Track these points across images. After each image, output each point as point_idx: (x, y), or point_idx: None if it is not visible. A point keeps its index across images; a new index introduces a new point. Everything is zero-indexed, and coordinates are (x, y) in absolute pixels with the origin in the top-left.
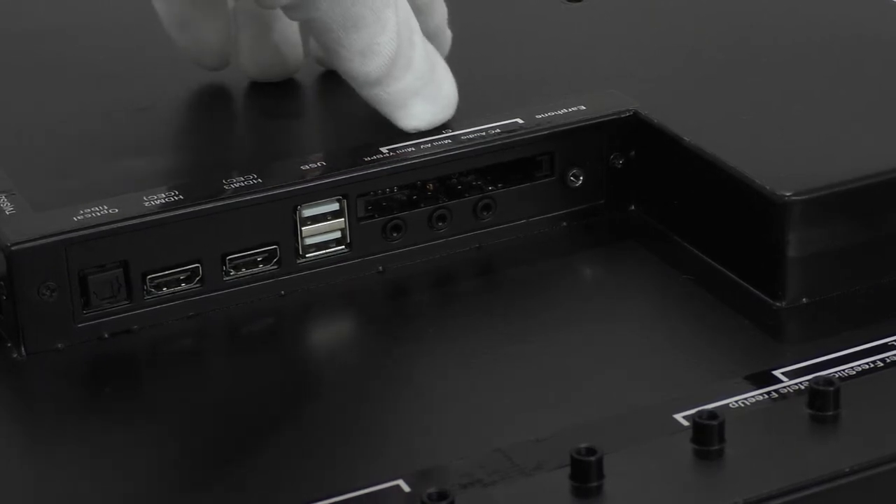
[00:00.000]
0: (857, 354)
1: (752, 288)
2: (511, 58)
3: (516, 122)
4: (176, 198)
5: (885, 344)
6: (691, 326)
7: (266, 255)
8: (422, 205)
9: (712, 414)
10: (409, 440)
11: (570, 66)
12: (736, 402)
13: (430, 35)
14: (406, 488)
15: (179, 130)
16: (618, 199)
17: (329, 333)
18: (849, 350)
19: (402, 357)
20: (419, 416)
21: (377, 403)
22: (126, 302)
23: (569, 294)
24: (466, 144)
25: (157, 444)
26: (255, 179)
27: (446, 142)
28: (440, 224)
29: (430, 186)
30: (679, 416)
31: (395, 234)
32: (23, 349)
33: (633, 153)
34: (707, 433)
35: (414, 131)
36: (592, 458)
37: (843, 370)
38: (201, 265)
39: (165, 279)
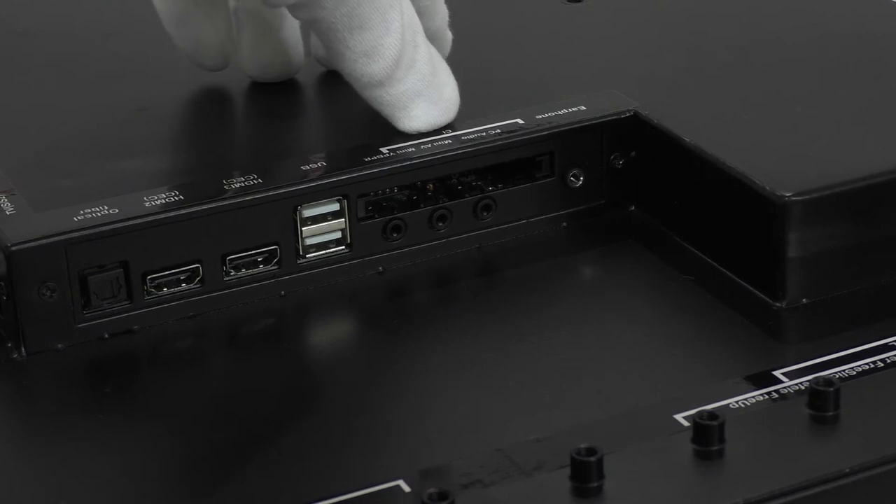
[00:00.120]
0: (857, 355)
1: (752, 288)
2: (511, 58)
3: (516, 122)
4: (176, 198)
5: (885, 344)
6: (691, 326)
7: (266, 255)
8: (422, 205)
9: (712, 414)
10: (409, 440)
11: (570, 66)
12: (736, 402)
13: (431, 37)
14: (406, 488)
15: (179, 131)
16: (618, 199)
17: (329, 334)
18: (849, 350)
19: (402, 357)
20: (419, 416)
21: (377, 403)
22: (126, 302)
23: (569, 294)
24: (467, 145)
25: (157, 444)
26: (256, 180)
27: (447, 142)
28: (440, 224)
29: (431, 187)
30: (679, 417)
31: (395, 235)
32: (23, 349)
33: (633, 153)
34: (707, 433)
35: (415, 133)
36: (592, 458)
37: (844, 370)
38: (201, 265)
39: (166, 279)
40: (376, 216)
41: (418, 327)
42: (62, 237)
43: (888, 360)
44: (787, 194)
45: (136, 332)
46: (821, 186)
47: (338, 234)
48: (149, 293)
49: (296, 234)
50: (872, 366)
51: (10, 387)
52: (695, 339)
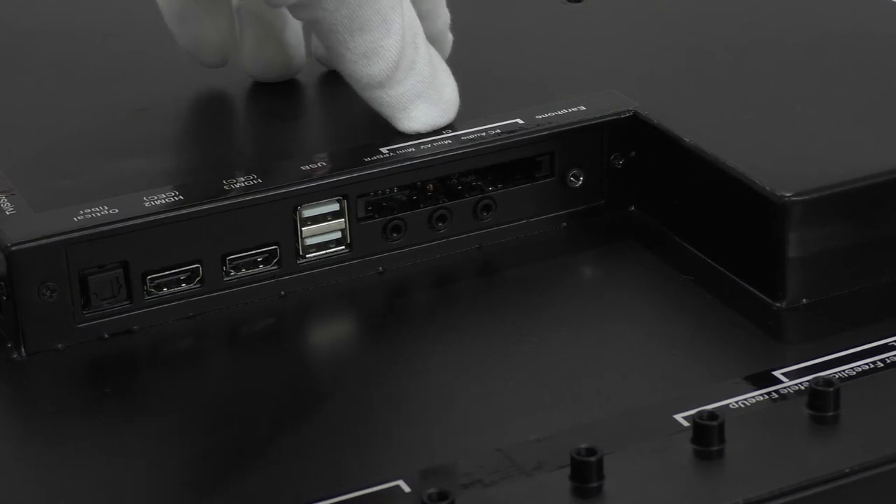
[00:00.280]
0: (857, 355)
1: (752, 288)
2: (511, 58)
3: (516, 122)
4: (176, 198)
5: (886, 344)
6: (691, 326)
7: (266, 255)
8: (422, 205)
9: (712, 414)
10: (409, 440)
11: (570, 66)
12: (736, 402)
13: (432, 40)
14: (406, 488)
15: (180, 131)
16: (618, 200)
17: (329, 334)
18: (849, 350)
19: (402, 357)
20: (419, 416)
21: (377, 403)
22: (126, 302)
23: (569, 294)
24: (466, 145)
25: (157, 444)
26: (256, 180)
27: (446, 142)
28: (440, 224)
29: (431, 187)
30: (679, 417)
31: (395, 235)
32: (23, 349)
33: (633, 153)
34: (707, 433)
35: (414, 134)
36: (592, 458)
37: (843, 370)
38: (201, 265)
39: (166, 279)
40: (376, 216)
41: (418, 327)
42: (62, 237)
43: (888, 360)
44: (787, 194)
45: (136, 332)
46: (821, 186)
47: (338, 234)
48: (149, 293)
49: (296, 234)
50: (872, 366)
51: (10, 387)
52: (695, 339)
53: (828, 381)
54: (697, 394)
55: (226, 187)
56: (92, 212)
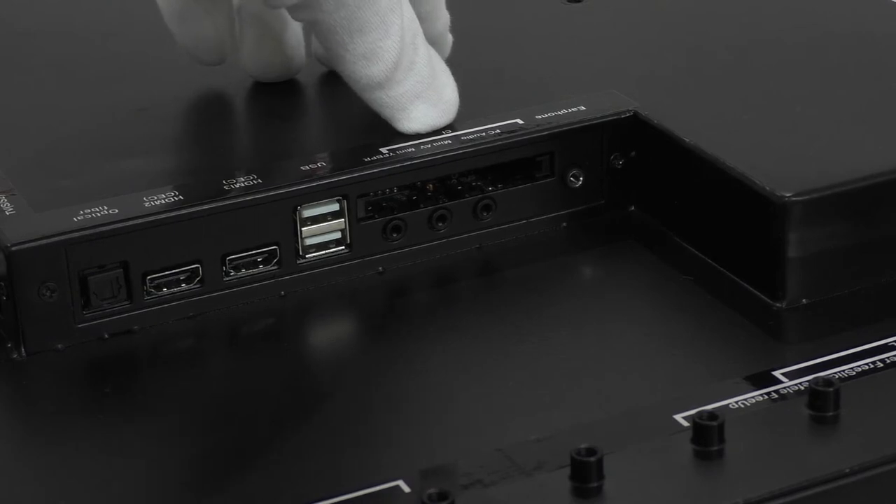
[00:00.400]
0: (857, 355)
1: (752, 288)
2: (511, 58)
3: (516, 122)
4: (176, 198)
5: (886, 344)
6: (691, 326)
7: (266, 255)
8: (422, 205)
9: (712, 415)
10: (409, 440)
11: (569, 66)
12: (736, 402)
13: (432, 41)
14: (406, 488)
15: (180, 131)
16: (618, 200)
17: (329, 334)
18: (849, 350)
19: (402, 357)
20: (419, 416)
21: (377, 404)
22: (126, 302)
23: (569, 294)
24: (466, 145)
25: (156, 444)
26: (256, 180)
27: (446, 142)
28: (440, 224)
29: (430, 187)
30: (679, 417)
31: (395, 235)
32: (23, 349)
33: (633, 153)
34: (707, 434)
35: (414, 135)
36: (592, 458)
37: (843, 371)
38: (201, 266)
39: (166, 279)
40: (376, 216)
41: (418, 327)
42: (62, 237)
43: (888, 360)
44: (787, 194)
45: (136, 332)
46: (821, 186)
47: (338, 235)
48: (149, 293)
49: (296, 234)
50: (872, 366)
51: (10, 387)
52: (695, 339)
53: (828, 381)
54: (697, 394)
55: (226, 187)
56: (92, 212)
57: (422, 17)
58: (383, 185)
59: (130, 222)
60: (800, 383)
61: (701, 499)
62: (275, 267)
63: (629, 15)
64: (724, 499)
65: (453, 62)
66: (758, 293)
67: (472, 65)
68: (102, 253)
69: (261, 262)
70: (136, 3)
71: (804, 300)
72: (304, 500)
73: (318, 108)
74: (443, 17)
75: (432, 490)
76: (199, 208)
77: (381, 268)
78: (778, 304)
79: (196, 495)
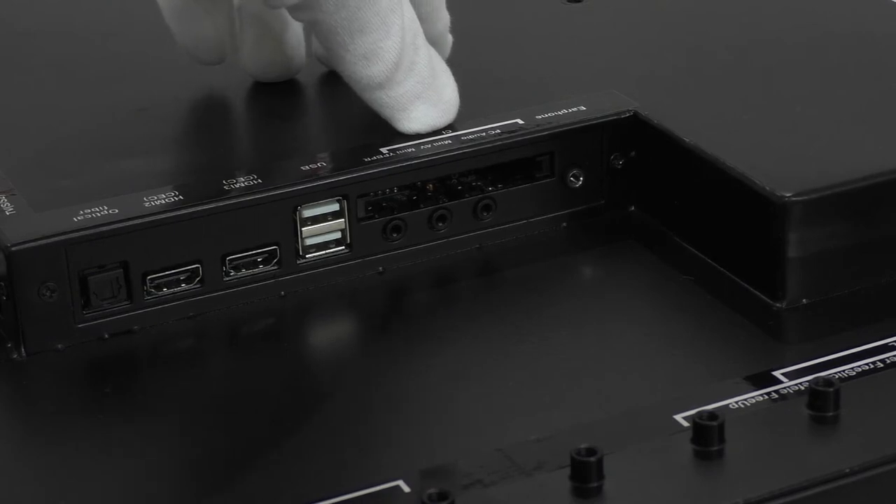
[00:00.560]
0: (857, 355)
1: (752, 288)
2: (511, 58)
3: (516, 122)
4: (176, 198)
5: (886, 344)
6: (691, 326)
7: (266, 255)
8: (422, 205)
9: (712, 415)
10: (409, 440)
11: (570, 66)
12: (736, 402)
13: (432, 42)
14: (406, 488)
15: (180, 131)
16: (618, 200)
17: (329, 334)
18: (849, 350)
19: (402, 357)
20: (419, 416)
21: (377, 404)
22: (126, 302)
23: (569, 294)
24: (466, 145)
25: (156, 444)
26: (256, 180)
27: (446, 142)
28: (440, 224)
29: (431, 187)
30: (679, 417)
31: (395, 235)
32: (23, 349)
33: (633, 153)
34: (707, 434)
35: (414, 135)
36: (592, 458)
37: (844, 371)
38: (201, 266)
39: (166, 279)
40: (376, 216)
41: (418, 327)
42: (62, 237)
43: (888, 360)
44: (787, 194)
45: (136, 332)
46: (821, 186)
47: (338, 235)
48: (149, 293)
49: (296, 234)
50: (872, 366)
51: (10, 387)
52: (695, 339)
53: (828, 382)
54: (697, 394)
55: (226, 187)
56: (92, 212)
57: (422, 18)
58: (383, 185)
59: (130, 222)
60: (800, 383)
61: (701, 499)
62: (275, 267)
63: (629, 15)
64: (724, 499)
65: (453, 62)
66: (758, 293)
67: (472, 65)
68: (102, 253)
69: (261, 262)
70: (136, 3)
71: (804, 300)
72: (304, 500)
73: (319, 108)
74: (443, 18)
75: (432, 490)
76: (199, 208)
77: (381, 268)
78: (778, 304)
79: (196, 495)
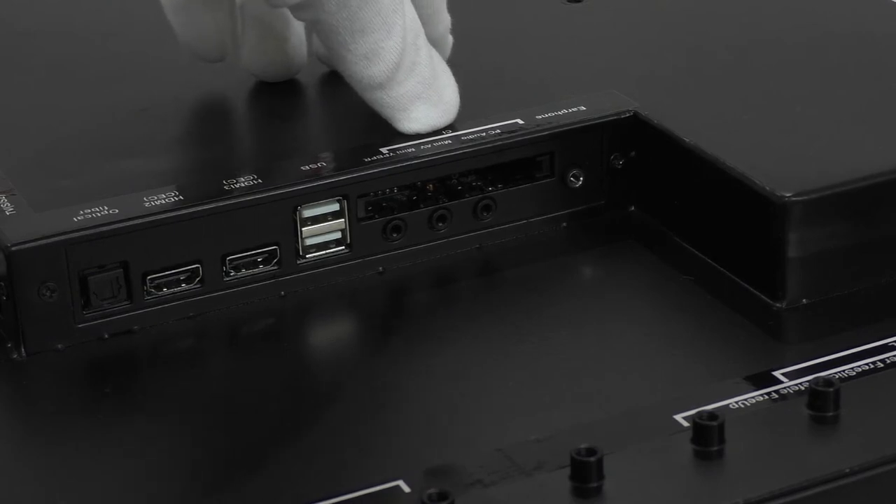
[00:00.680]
0: (857, 355)
1: (752, 288)
2: (511, 58)
3: (516, 122)
4: (176, 198)
5: (886, 344)
6: (691, 326)
7: (266, 255)
8: (422, 205)
9: (712, 415)
10: (409, 440)
11: (570, 66)
12: (736, 402)
13: (433, 43)
14: (406, 488)
15: (180, 131)
16: (618, 200)
17: (329, 334)
18: (849, 350)
19: (402, 357)
20: (419, 416)
21: (377, 403)
22: (126, 302)
23: (569, 294)
24: (467, 145)
25: (156, 444)
26: (256, 180)
27: (446, 142)
28: (440, 224)
29: (431, 187)
30: (679, 417)
31: (395, 235)
32: (23, 349)
33: (633, 153)
34: (707, 434)
35: (414, 135)
36: (592, 459)
37: (844, 371)
38: (201, 266)
39: (166, 279)
40: (376, 216)
41: (418, 327)
42: (62, 237)
43: (888, 360)
44: (787, 194)
45: (136, 332)
46: (821, 186)
47: (338, 235)
48: (149, 293)
49: (296, 234)
50: (872, 366)
51: (10, 387)
52: (695, 339)
53: (828, 382)
54: (697, 394)
55: (226, 187)
56: (92, 212)
57: (423, 20)
58: (383, 185)
59: (130, 222)
60: (800, 383)
61: (701, 499)
62: (275, 267)
63: (629, 15)
64: (724, 499)
65: (454, 63)
66: (758, 293)
67: (472, 65)
68: (102, 253)
69: (261, 262)
70: (136, 3)
71: (804, 300)
72: (304, 500)
73: (319, 108)
74: (444, 20)
75: (432, 490)
76: (199, 208)
77: (381, 268)
78: (778, 304)
79: (196, 495)
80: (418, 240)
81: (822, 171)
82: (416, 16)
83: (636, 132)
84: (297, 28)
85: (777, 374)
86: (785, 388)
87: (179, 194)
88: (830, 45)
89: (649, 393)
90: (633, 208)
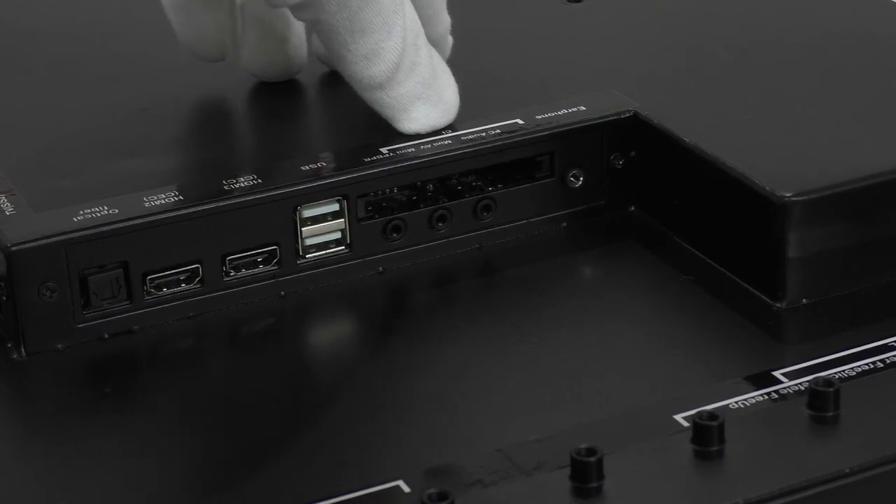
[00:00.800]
0: (857, 355)
1: (752, 288)
2: (511, 58)
3: (516, 122)
4: (176, 198)
5: (886, 344)
6: (691, 326)
7: (266, 255)
8: (422, 205)
9: (712, 415)
10: (409, 440)
11: (570, 66)
12: (736, 402)
13: (433, 43)
14: (406, 488)
15: (180, 131)
16: (618, 200)
17: (329, 334)
18: (849, 350)
19: (402, 357)
20: (419, 416)
21: (377, 403)
22: (126, 302)
23: (569, 294)
24: (466, 145)
25: (156, 444)
26: (256, 180)
27: (446, 142)
28: (440, 224)
29: (431, 187)
30: (679, 417)
31: (395, 235)
32: (23, 349)
33: (633, 153)
34: (707, 434)
35: (414, 135)
36: (592, 459)
37: (843, 370)
38: (201, 266)
39: (166, 279)
40: (376, 216)
41: (418, 327)
42: (62, 237)
43: (888, 360)
44: (787, 194)
45: (136, 332)
46: (821, 186)
47: (338, 235)
48: (149, 293)
49: (296, 234)
50: (872, 366)
51: (10, 387)
52: (695, 339)
53: (828, 382)
54: (697, 394)
55: (226, 187)
56: (92, 212)
57: (423, 20)
58: (383, 186)
59: (130, 222)
60: (800, 383)
61: (701, 499)
62: (275, 267)
63: (629, 15)
64: (724, 499)
65: (454, 63)
66: (758, 293)
67: (472, 65)
68: (102, 253)
69: (261, 262)
70: (136, 3)
71: (804, 300)
72: (304, 500)
73: (319, 108)
74: (444, 21)
75: (432, 490)
76: (199, 208)
77: (381, 268)
78: (778, 304)
79: (196, 495)
80: (418, 240)
81: (821, 171)
82: (416, 16)
83: (636, 132)
84: (298, 28)
85: (777, 374)
86: (785, 388)
87: (179, 194)
88: (830, 45)
89: (649, 393)
90: (633, 208)
